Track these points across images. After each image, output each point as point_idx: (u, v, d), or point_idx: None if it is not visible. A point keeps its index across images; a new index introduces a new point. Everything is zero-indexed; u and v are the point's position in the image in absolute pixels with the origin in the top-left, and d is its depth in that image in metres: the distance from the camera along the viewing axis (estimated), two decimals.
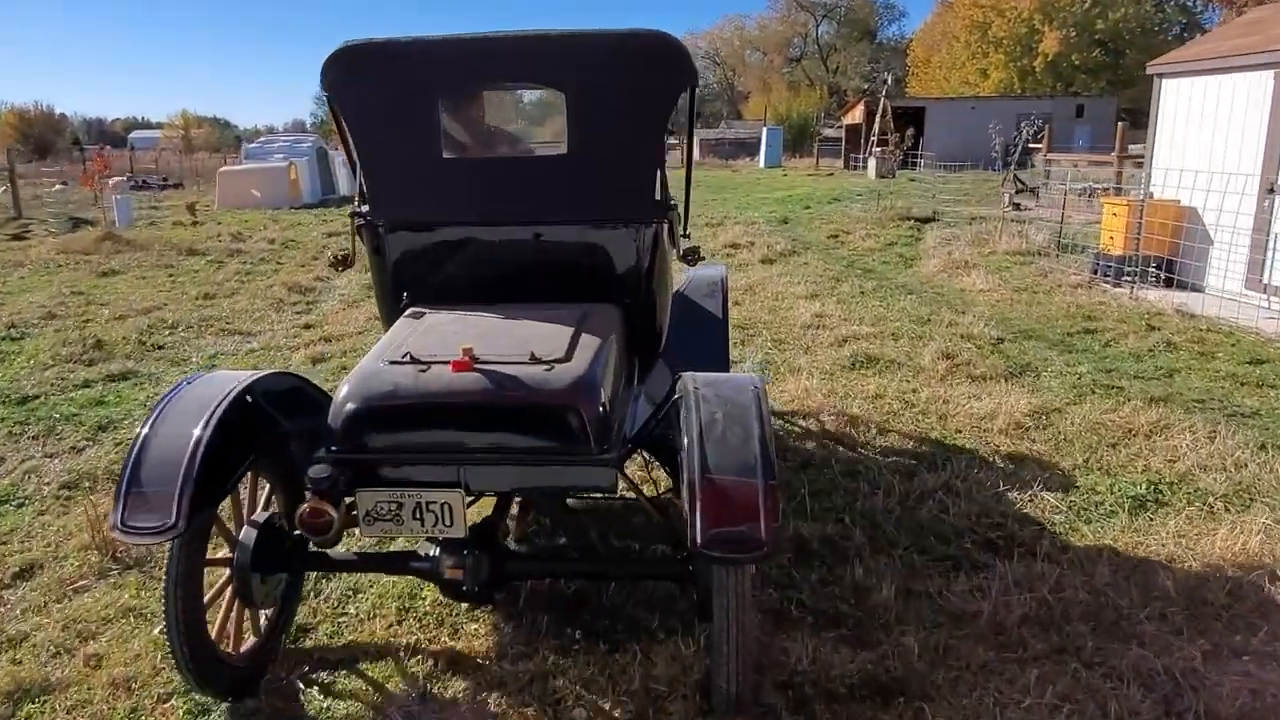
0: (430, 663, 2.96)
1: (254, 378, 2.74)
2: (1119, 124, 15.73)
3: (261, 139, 26.96)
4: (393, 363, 2.69)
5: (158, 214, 20.23)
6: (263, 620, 2.95)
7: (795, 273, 10.88)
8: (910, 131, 27.29)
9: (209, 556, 2.69)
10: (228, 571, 2.71)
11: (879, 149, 28.13)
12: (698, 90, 3.48)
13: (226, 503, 2.70)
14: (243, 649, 2.83)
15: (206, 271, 11.81)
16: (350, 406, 2.57)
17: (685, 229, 3.83)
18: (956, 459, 4.66)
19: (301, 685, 2.87)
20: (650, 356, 3.64)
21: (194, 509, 2.36)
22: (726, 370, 4.08)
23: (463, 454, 2.56)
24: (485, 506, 3.08)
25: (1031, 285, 9.86)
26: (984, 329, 7.60)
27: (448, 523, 2.52)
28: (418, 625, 3.20)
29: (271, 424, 2.79)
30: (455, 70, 3.24)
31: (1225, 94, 9.07)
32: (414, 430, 2.59)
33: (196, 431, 2.46)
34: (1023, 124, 15.28)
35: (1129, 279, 9.43)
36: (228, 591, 2.73)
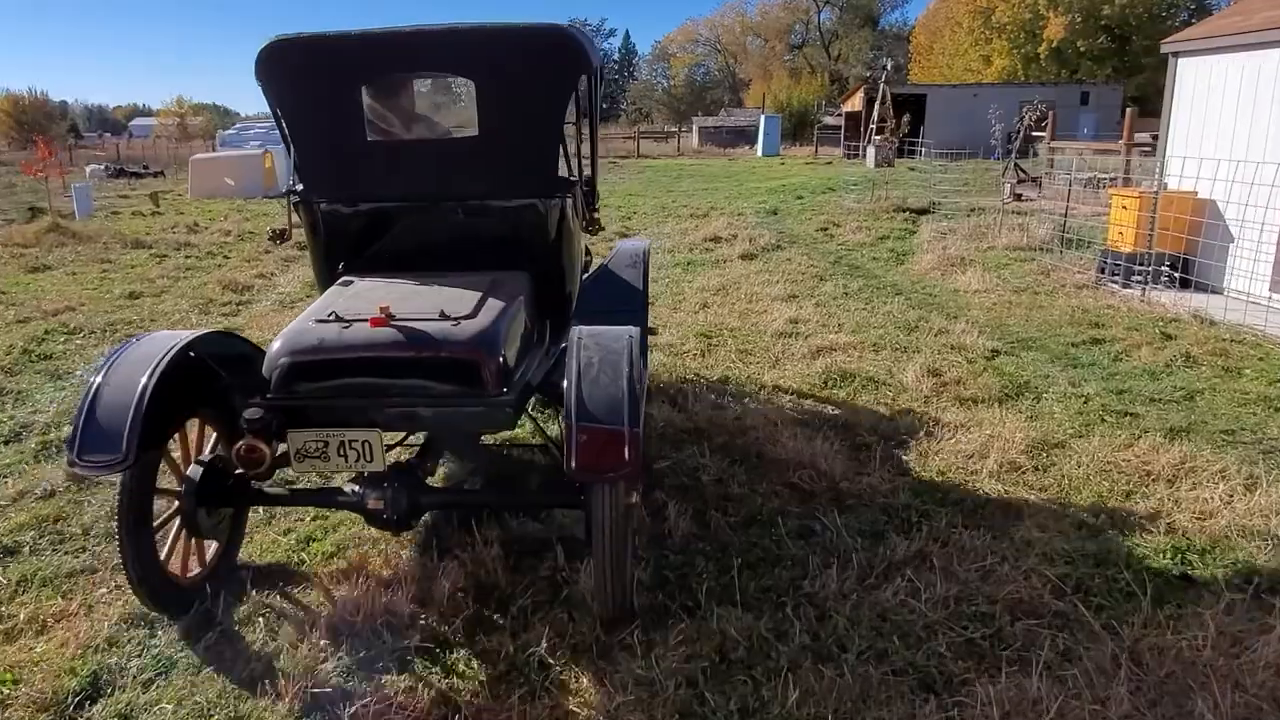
0: (362, 585, 3.24)
1: (195, 335, 3.08)
2: (1127, 110, 14.80)
3: (238, 125, 26.04)
4: (319, 321, 3.05)
5: (128, 202, 19.37)
6: (210, 552, 3.32)
7: (776, 270, 9.99)
8: (906, 118, 26.25)
9: (160, 487, 3.04)
10: (177, 503, 3.09)
11: (878, 137, 27.18)
12: (600, 78, 3.93)
13: (176, 446, 3.11)
14: (190, 575, 3.18)
15: (145, 267, 10.94)
16: (281, 359, 2.95)
17: (595, 205, 4.29)
18: (936, 514, 3.80)
19: (243, 606, 3.19)
20: (561, 318, 3.86)
21: (141, 445, 2.69)
22: (645, 334, 4.38)
23: (380, 398, 2.95)
24: (409, 451, 3.54)
25: (1032, 285, 8.97)
26: (978, 339, 6.72)
27: (369, 458, 2.89)
28: (352, 553, 3.57)
29: (212, 376, 3.13)
30: (376, 61, 3.60)
31: (1251, 74, 8.15)
32: (337, 378, 2.95)
33: (143, 379, 2.79)
34: (1025, 108, 14.29)
35: (1139, 279, 8.54)
36: (176, 522, 3.10)
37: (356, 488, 3.15)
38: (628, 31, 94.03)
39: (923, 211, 14.57)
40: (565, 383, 2.73)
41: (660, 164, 34.06)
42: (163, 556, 3.03)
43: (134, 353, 2.95)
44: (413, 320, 3.01)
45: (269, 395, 2.96)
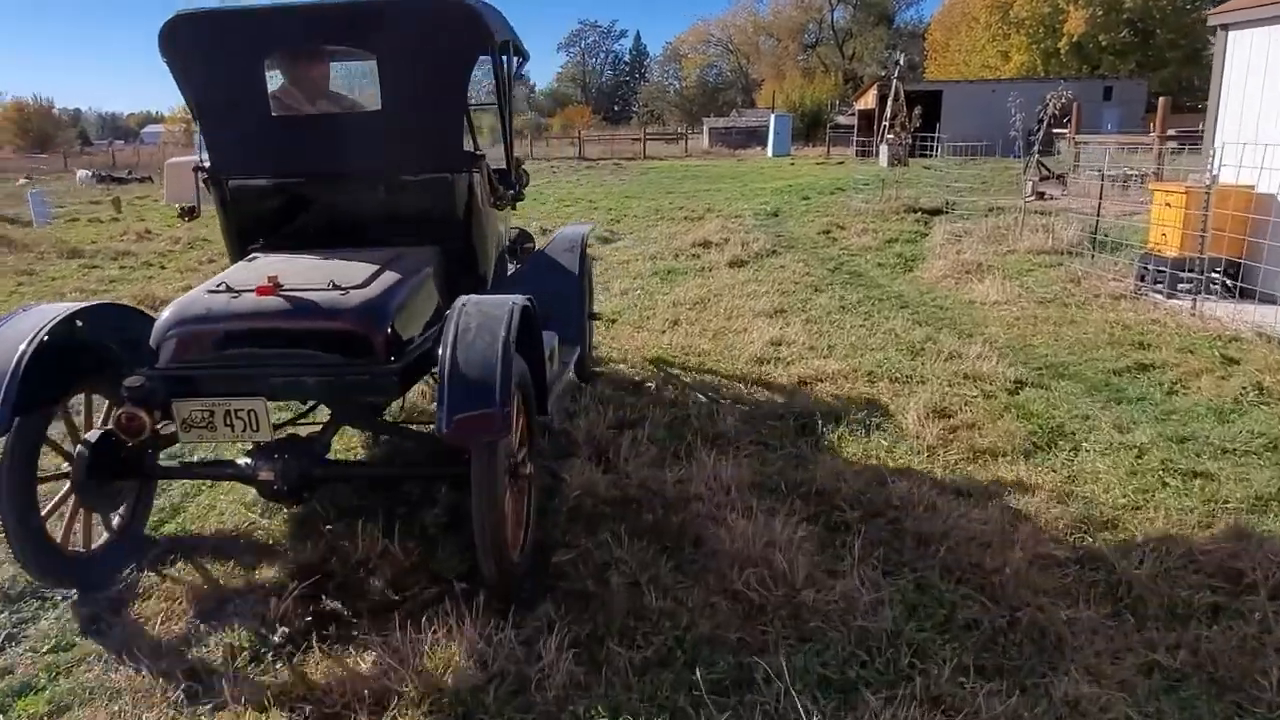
0: (252, 555, 3.35)
1: (82, 306, 3.11)
2: (1160, 99, 13.50)
3: None
4: (210, 291, 3.06)
5: (96, 208, 18.42)
6: (117, 521, 3.32)
7: (766, 279, 8.78)
8: (917, 111, 24.87)
9: (50, 470, 3.16)
10: (68, 476, 3.05)
11: (890, 135, 25.87)
12: (512, 53, 4.04)
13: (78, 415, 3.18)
14: (93, 546, 3.21)
15: (68, 279, 9.88)
16: (167, 328, 2.94)
17: (516, 185, 4.40)
18: (937, 651, 2.60)
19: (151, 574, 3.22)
20: (475, 293, 3.44)
21: (17, 412, 2.72)
22: (581, 317, 4.68)
23: (265, 366, 2.92)
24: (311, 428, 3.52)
25: (1060, 296, 7.71)
26: (996, 365, 5.49)
27: (255, 428, 2.86)
28: (244, 523, 3.61)
29: (101, 347, 3.14)
30: (276, 35, 3.62)
31: None
32: (222, 347, 2.94)
33: (21, 347, 2.78)
34: (1049, 97, 13.01)
35: (1188, 288, 7.28)
36: (72, 498, 3.06)
37: (249, 460, 3.11)
38: (639, 33, 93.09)
39: (936, 212, 13.31)
40: (440, 348, 2.70)
41: (666, 165, 32.90)
42: (61, 528, 3.10)
43: (17, 322, 2.94)
44: (301, 290, 2.98)
45: (155, 364, 2.93)
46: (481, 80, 3.98)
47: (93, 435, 3.10)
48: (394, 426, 3.90)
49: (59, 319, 2.95)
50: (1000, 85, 33.39)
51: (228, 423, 2.87)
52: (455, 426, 2.56)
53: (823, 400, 4.91)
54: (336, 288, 3.01)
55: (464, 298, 2.96)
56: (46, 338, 2.86)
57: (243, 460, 3.17)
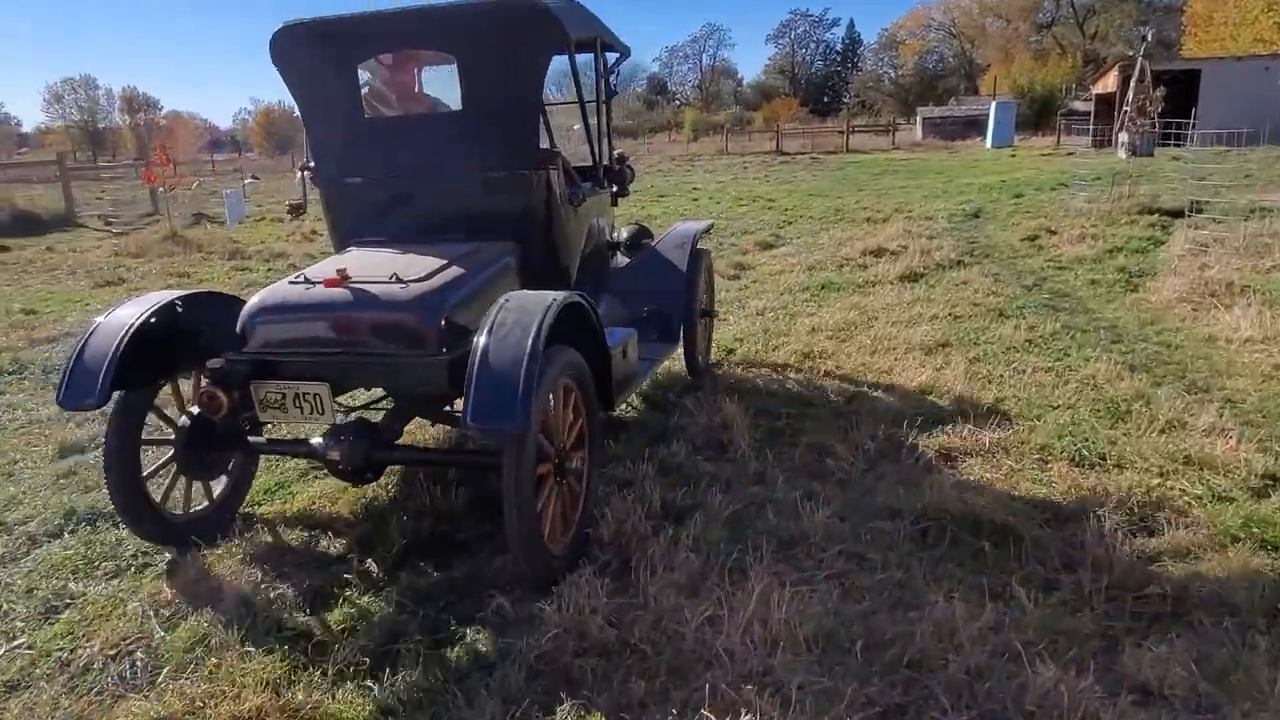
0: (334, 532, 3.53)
1: (183, 293, 3.36)
2: None
3: None
4: (291, 282, 3.26)
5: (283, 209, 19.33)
6: (216, 494, 3.61)
7: (940, 298, 7.24)
8: (1160, 91, 21.36)
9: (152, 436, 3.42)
10: (171, 447, 3.39)
11: (1138, 121, 22.52)
12: (599, 54, 4.33)
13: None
14: (191, 511, 3.48)
15: (218, 280, 9.96)
16: (248, 315, 3.16)
17: (613, 182, 4.81)
18: None
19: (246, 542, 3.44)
20: (557, 287, 3.40)
21: (115, 388, 3.02)
22: (686, 315, 4.77)
23: (328, 353, 3.08)
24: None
25: None
26: (1238, 445, 3.83)
27: (320, 411, 3.04)
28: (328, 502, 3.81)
29: (201, 330, 3.32)
30: (365, 43, 3.82)
31: None
32: (293, 334, 3.11)
33: (122, 331, 3.07)
34: None
35: None
36: (173, 466, 3.39)
37: (321, 440, 3.25)
38: (852, 20, 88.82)
39: (1178, 214, 10.94)
40: (475, 339, 2.78)
41: (868, 159, 30.75)
42: (161, 495, 3.37)
43: (123, 309, 3.21)
44: (365, 283, 3.13)
45: (240, 349, 3.13)
46: (577, 78, 4.07)
47: (194, 410, 3.36)
48: (450, 416, 3.71)
49: (161, 304, 3.24)
50: (1276, 62, 28.59)
51: (297, 405, 3.06)
52: (476, 420, 2.64)
53: (963, 491, 3.51)
54: (399, 281, 3.13)
55: (510, 294, 3.03)
56: (149, 321, 3.16)
57: (316, 440, 3.31)
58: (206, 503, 3.59)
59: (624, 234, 5.43)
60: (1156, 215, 11.05)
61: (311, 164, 4.00)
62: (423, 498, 3.69)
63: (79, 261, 11.69)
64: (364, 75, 3.95)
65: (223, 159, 51.65)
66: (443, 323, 3.03)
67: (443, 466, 3.95)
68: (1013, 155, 28.66)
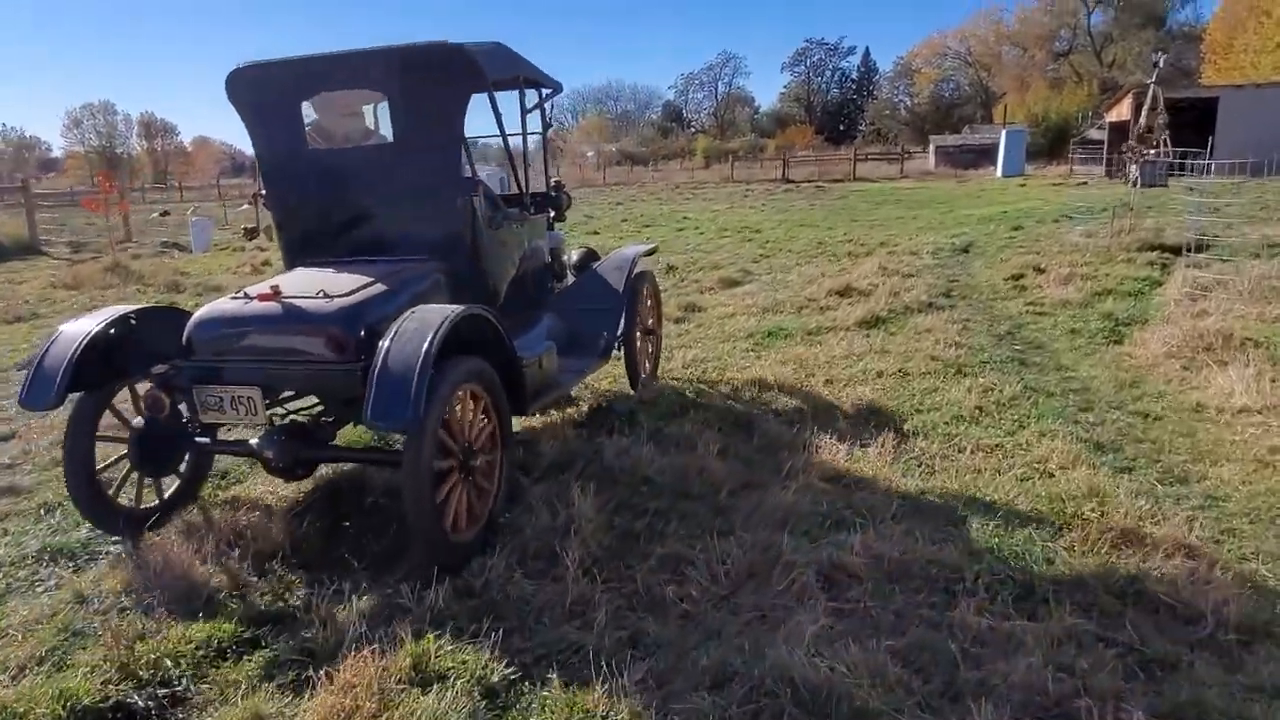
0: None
1: (137, 308, 3.74)
2: None
3: None
4: (232, 298, 3.59)
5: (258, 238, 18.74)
6: (170, 491, 3.95)
7: (896, 350, 6.36)
8: (1162, 120, 20.34)
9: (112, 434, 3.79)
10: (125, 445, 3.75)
11: (1150, 151, 21.53)
12: (523, 90, 4.69)
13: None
14: (145, 505, 3.81)
15: None
16: (191, 326, 3.50)
17: (558, 212, 5.35)
18: None
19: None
20: (484, 303, 3.82)
21: (70, 391, 3.40)
22: (615, 333, 5.05)
23: (260, 361, 3.40)
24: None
25: None
26: (1212, 575, 2.93)
27: (254, 412, 3.38)
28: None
29: (153, 341, 3.65)
30: (308, 82, 4.16)
31: None
32: (229, 343, 3.44)
33: (78, 340, 3.44)
34: None
35: None
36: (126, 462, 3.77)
37: (258, 441, 3.57)
38: (868, 49, 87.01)
39: (1181, 250, 9.99)
40: (379, 345, 3.12)
41: (873, 189, 29.94)
42: (116, 489, 3.76)
43: (81, 321, 3.60)
44: (294, 297, 3.44)
45: (183, 355, 3.49)
46: (498, 114, 4.32)
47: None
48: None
49: (116, 317, 3.58)
50: None
51: (234, 407, 3.37)
52: (374, 417, 2.99)
53: (828, 643, 2.63)
54: (325, 296, 3.42)
55: (416, 307, 3.34)
56: (105, 332, 3.50)
57: (254, 440, 3.59)
58: (158, 500, 3.88)
59: (574, 257, 5.89)
60: (1157, 252, 10.14)
61: (263, 191, 4.37)
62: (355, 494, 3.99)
63: (7, 294, 11.03)
64: (310, 111, 4.33)
65: (242, 183, 51.39)
66: (362, 333, 3.31)
67: (366, 463, 4.20)
68: (1022, 185, 27.76)
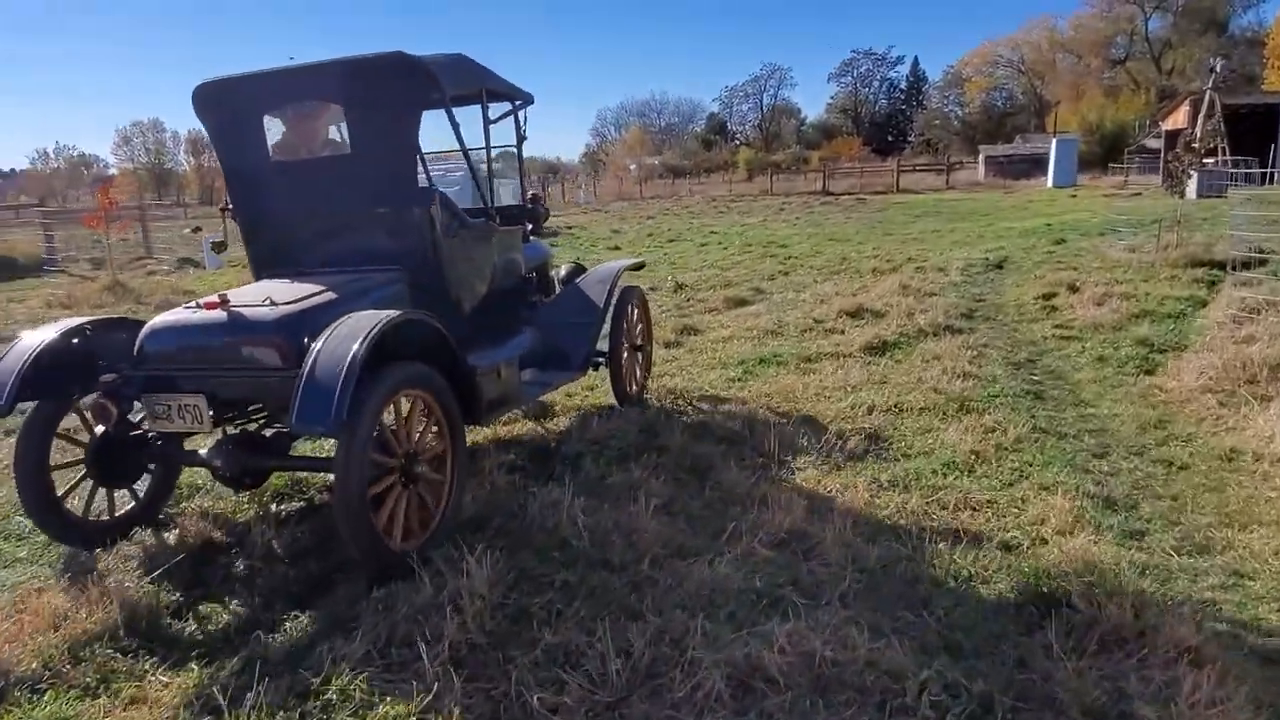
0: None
1: (91, 319, 3.78)
2: None
3: None
4: (185, 307, 3.60)
5: None
6: (134, 503, 3.91)
7: (895, 381, 5.75)
8: (1218, 126, 19.18)
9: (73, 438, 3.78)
10: (81, 454, 3.73)
11: (1209, 160, 20.41)
12: (486, 103, 4.48)
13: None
14: (105, 516, 3.77)
15: None
16: (142, 336, 3.50)
17: (535, 224, 5.31)
18: None
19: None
20: (449, 314, 4.00)
21: (20, 399, 3.40)
22: (591, 348, 5.01)
23: (204, 369, 3.40)
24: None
25: None
26: (1235, 696, 2.30)
27: (200, 421, 3.38)
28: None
29: (107, 352, 3.64)
30: (267, 95, 4.17)
31: None
32: (177, 352, 3.45)
33: (29, 350, 3.45)
34: None
35: None
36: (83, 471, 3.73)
37: (207, 450, 3.59)
38: (916, 58, 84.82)
39: (1231, 267, 9.16)
40: (310, 349, 3.08)
41: (915, 201, 29.07)
42: (77, 499, 3.71)
43: (37, 332, 3.62)
44: (241, 306, 3.43)
45: (134, 364, 3.48)
46: (455, 126, 4.18)
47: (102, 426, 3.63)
48: None
49: (71, 328, 3.63)
50: None
51: (181, 415, 3.40)
52: (298, 422, 2.95)
53: None
54: (272, 304, 3.44)
55: (351, 314, 3.27)
56: (59, 342, 3.55)
57: (203, 450, 3.64)
58: (111, 514, 3.82)
59: (563, 271, 5.81)
60: (1205, 269, 9.32)
61: (230, 204, 4.34)
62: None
63: (2, 314, 10.93)
64: (274, 123, 4.25)
65: None
66: (305, 341, 3.20)
67: (298, 470, 4.24)
68: (1073, 195, 26.68)
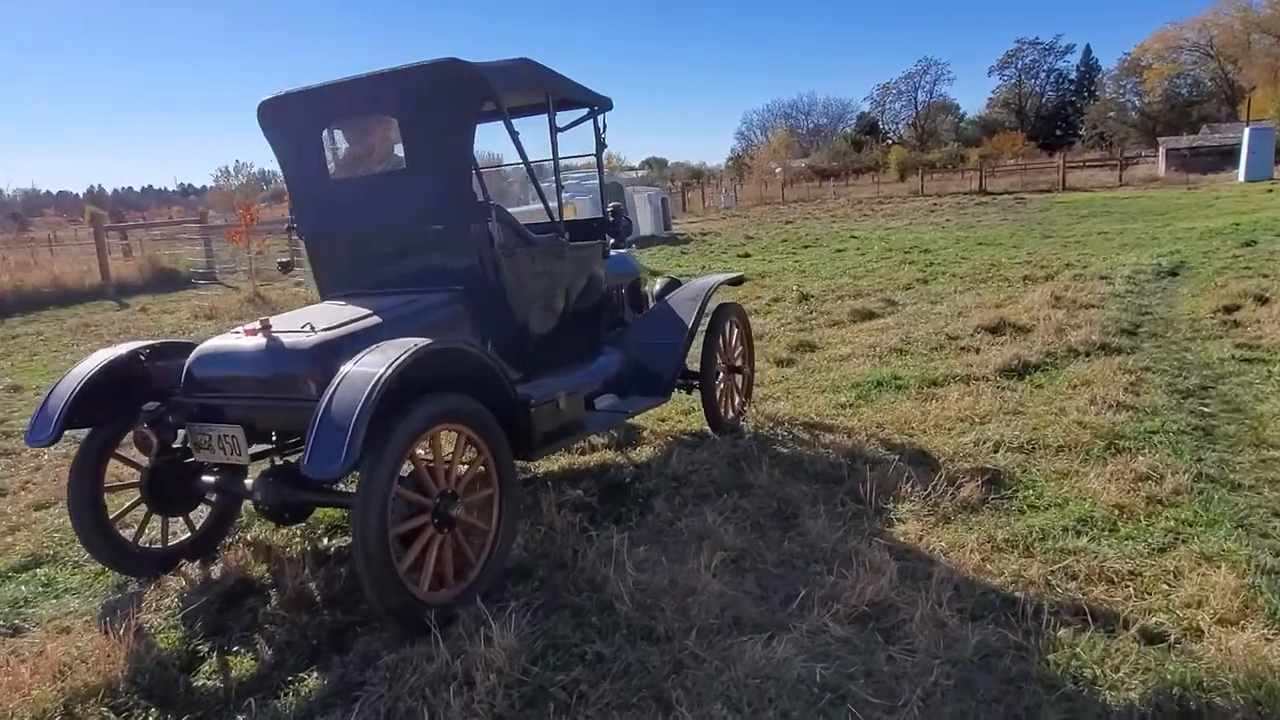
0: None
1: (146, 344, 3.66)
2: None
3: None
4: (233, 332, 3.48)
5: None
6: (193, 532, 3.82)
7: (1031, 410, 5.02)
8: None
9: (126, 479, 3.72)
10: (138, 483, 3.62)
11: None
12: (553, 111, 4.22)
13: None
14: (157, 546, 3.69)
15: None
16: (188, 361, 3.41)
17: (617, 238, 4.87)
18: None
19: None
20: (515, 339, 3.93)
21: (67, 428, 3.38)
22: (675, 371, 4.66)
23: (243, 398, 3.30)
24: None
25: None
26: None
27: (237, 452, 3.26)
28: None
29: (163, 377, 3.55)
30: (324, 109, 4.01)
31: None
32: (216, 379, 3.35)
33: (81, 378, 3.42)
34: None
35: None
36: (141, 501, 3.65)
37: (252, 482, 3.42)
38: (1088, 46, 78.47)
39: None
40: (329, 384, 2.89)
41: (1082, 199, 26.92)
42: (135, 530, 3.67)
43: (89, 359, 3.56)
44: (280, 332, 3.27)
45: (180, 393, 3.40)
46: (514, 135, 3.98)
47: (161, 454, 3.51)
48: None
49: (122, 355, 3.56)
50: None
51: (220, 445, 3.28)
52: (309, 467, 2.70)
53: None
54: (310, 330, 3.26)
55: (379, 345, 3.02)
56: (106, 369, 3.49)
57: (248, 481, 3.48)
58: (184, 536, 3.78)
59: (657, 286, 5.51)
60: None
61: (294, 223, 4.30)
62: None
63: (151, 324, 11.61)
64: (336, 138, 4.13)
65: None
66: (331, 370, 3.02)
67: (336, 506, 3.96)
68: (1269, 191, 23.95)
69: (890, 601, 2.93)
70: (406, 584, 2.86)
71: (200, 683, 2.79)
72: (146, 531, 3.72)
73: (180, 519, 3.79)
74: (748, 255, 16.13)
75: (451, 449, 3.23)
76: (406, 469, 2.97)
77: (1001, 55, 79.62)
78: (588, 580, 3.17)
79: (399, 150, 4.20)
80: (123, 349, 3.61)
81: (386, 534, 2.80)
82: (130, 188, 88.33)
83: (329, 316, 3.45)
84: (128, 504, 3.68)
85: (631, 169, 71.75)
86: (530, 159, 4.12)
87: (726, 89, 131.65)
